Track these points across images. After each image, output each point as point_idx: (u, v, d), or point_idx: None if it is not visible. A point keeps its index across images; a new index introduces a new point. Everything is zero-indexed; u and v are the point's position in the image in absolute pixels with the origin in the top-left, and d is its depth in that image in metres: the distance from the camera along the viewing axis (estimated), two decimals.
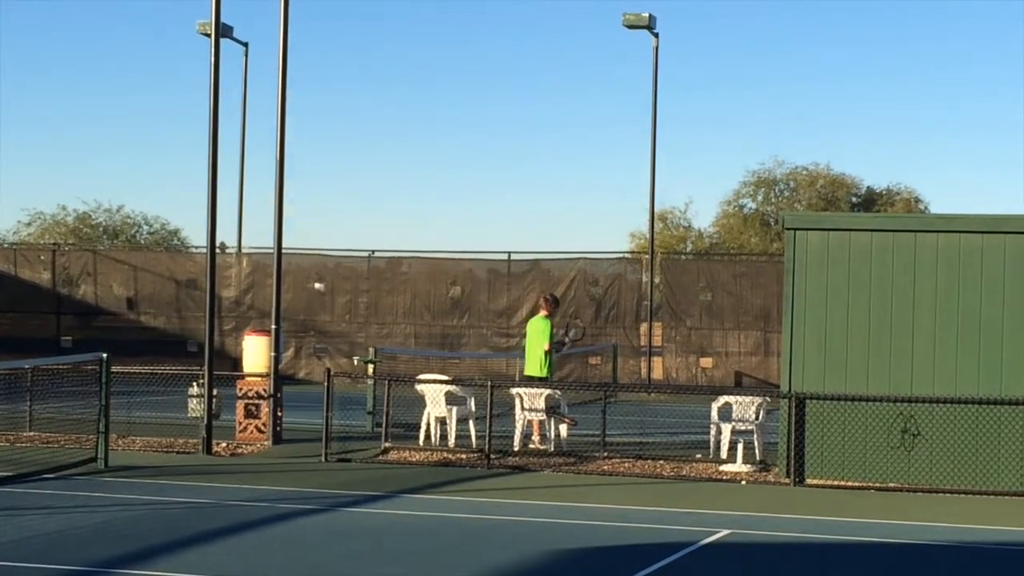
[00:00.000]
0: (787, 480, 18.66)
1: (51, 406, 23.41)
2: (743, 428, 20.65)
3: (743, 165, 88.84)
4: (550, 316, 23.25)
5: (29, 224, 60.91)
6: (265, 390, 22.36)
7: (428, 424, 22.17)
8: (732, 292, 37.63)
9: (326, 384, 20.92)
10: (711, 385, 35.09)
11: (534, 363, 22.90)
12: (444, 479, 18.71)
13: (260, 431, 22.30)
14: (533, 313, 26.59)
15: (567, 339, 23.94)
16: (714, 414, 21.19)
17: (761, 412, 20.74)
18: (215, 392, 21.80)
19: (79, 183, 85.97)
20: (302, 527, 14.72)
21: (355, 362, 29.47)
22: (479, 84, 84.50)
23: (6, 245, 51.54)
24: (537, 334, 22.85)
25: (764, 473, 19.55)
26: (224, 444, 21.66)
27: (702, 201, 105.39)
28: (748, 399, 21.01)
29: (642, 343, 37.82)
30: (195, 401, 23.71)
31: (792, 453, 18.65)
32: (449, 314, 39.03)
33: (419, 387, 22.64)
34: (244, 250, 42.99)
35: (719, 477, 19.37)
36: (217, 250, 24.26)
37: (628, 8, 38.72)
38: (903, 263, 18.52)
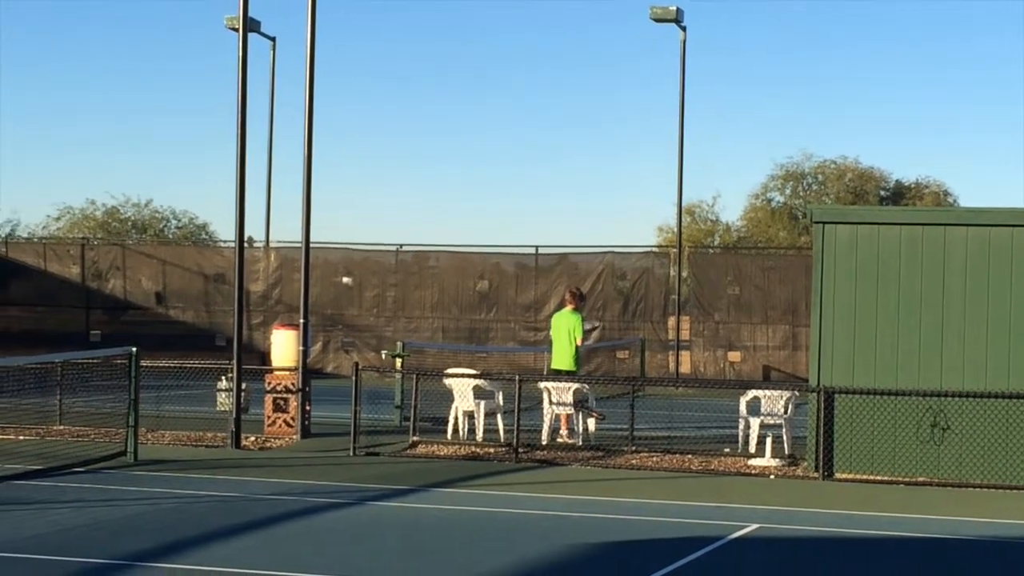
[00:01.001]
0: (816, 474, 18.62)
1: (81, 400, 23.52)
2: (771, 422, 20.60)
3: (771, 158, 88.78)
4: (577, 309, 23.24)
5: (58, 218, 61.19)
6: (293, 384, 22.40)
7: (456, 418, 22.19)
8: (760, 286, 37.54)
9: (354, 378, 20.94)
10: (739, 379, 35.00)
11: (563, 356, 22.89)
12: (472, 473, 18.72)
13: (288, 425, 22.34)
14: (560, 307, 26.56)
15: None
16: (742, 408, 21.16)
17: (789, 406, 20.69)
18: (244, 386, 21.84)
19: (108, 177, 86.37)
20: (330, 521, 14.75)
21: (383, 356, 29.45)
22: (507, 78, 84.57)
23: (35, 239, 51.76)
24: (568, 328, 22.83)
25: (793, 467, 19.51)
26: (253, 438, 21.71)
27: (730, 195, 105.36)
28: (776, 393, 20.97)
29: (670, 337, 37.77)
30: (224, 395, 23.76)
31: (821, 447, 18.60)
32: (477, 308, 39.02)
33: (447, 381, 22.66)
34: (272, 244, 43.07)
35: (747, 471, 19.33)
36: (245, 244, 24.30)
37: (656, 2, 38.63)
38: (932, 257, 18.44)
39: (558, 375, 22.61)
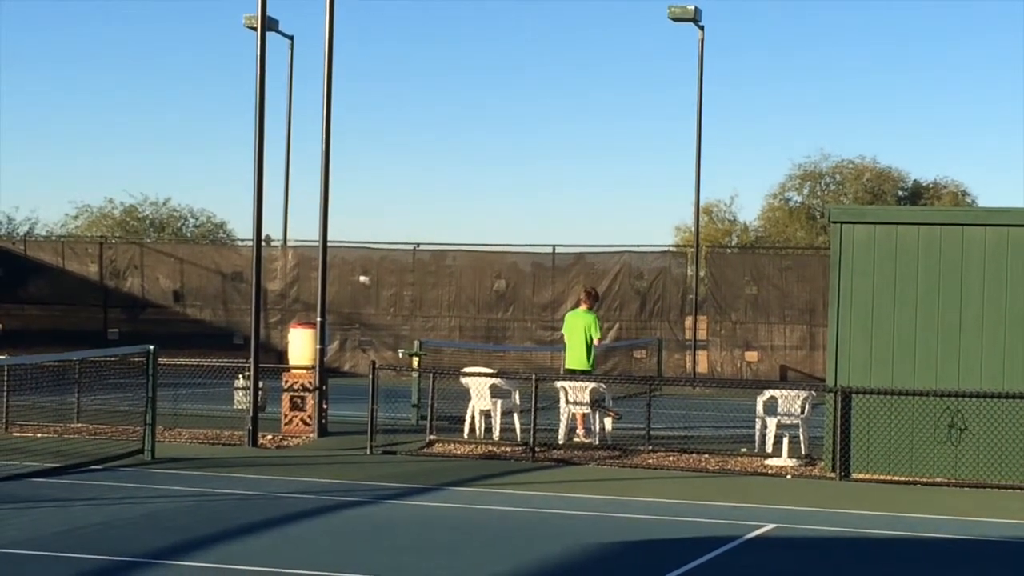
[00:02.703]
0: (833, 474, 18.59)
1: (98, 398, 23.58)
2: (788, 422, 20.57)
3: (789, 158, 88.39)
4: (592, 309, 23.23)
5: (76, 217, 61.32)
6: (310, 383, 22.42)
7: (473, 417, 22.21)
8: (777, 286, 37.49)
9: (371, 377, 20.97)
10: (756, 379, 34.97)
11: (578, 356, 22.88)
12: (489, 472, 18.73)
13: (305, 423, 22.37)
14: (574, 307, 26.57)
15: None
16: (759, 408, 21.13)
17: (807, 406, 20.66)
18: (261, 384, 21.87)
19: (126, 176, 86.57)
20: (347, 519, 14.77)
21: (400, 355, 29.48)
22: (525, 77, 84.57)
23: (54, 238, 51.87)
24: (583, 327, 22.82)
25: (809, 467, 19.48)
26: (270, 436, 21.74)
27: (747, 194, 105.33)
28: (793, 393, 20.93)
29: (687, 337, 37.73)
30: (241, 393, 23.78)
31: (838, 447, 18.57)
32: (494, 307, 39.03)
33: (464, 380, 22.67)
34: (289, 243, 43.13)
35: (764, 471, 19.31)
36: (263, 243, 24.34)
37: (674, 1, 38.58)
38: (950, 256, 18.40)
39: (573, 375, 22.60)
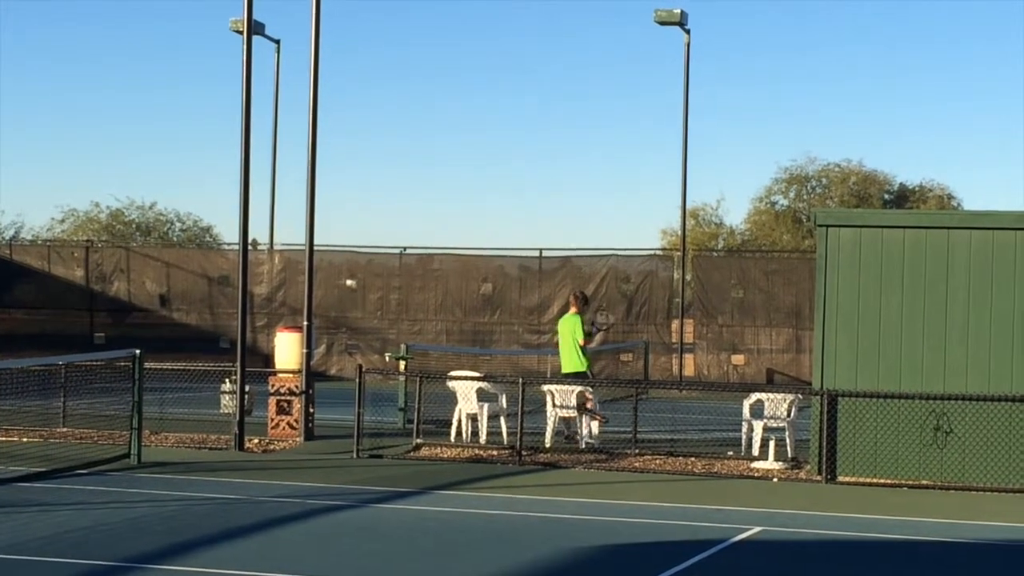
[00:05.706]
0: (819, 477, 18.62)
1: (84, 402, 23.54)
2: (775, 425, 20.60)
3: (775, 162, 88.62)
4: (580, 313, 23.24)
5: (62, 221, 61.19)
6: (297, 386, 22.41)
7: (460, 421, 22.21)
8: (764, 289, 37.53)
9: (358, 380, 20.96)
10: (743, 382, 35.01)
11: (568, 360, 22.87)
12: (475, 475, 18.73)
13: (292, 427, 22.35)
14: (564, 311, 26.57)
15: (594, 328, 23.85)
16: (746, 411, 21.15)
17: (793, 409, 20.69)
18: (247, 388, 21.85)
19: (112, 180, 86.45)
20: (333, 523, 14.76)
21: (387, 359, 29.46)
22: (510, 80, 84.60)
23: (40, 242, 51.78)
24: (570, 330, 22.82)
25: (796, 470, 19.51)
26: (256, 440, 21.72)
27: (734, 198, 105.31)
28: (780, 396, 20.97)
29: (674, 340, 37.73)
30: (227, 397, 23.75)
31: (824, 450, 18.60)
32: (480, 311, 39.02)
33: (451, 384, 22.67)
34: (276, 247, 43.05)
35: (751, 474, 19.33)
36: (249, 247, 24.31)
37: (660, 4, 38.62)
38: (935, 260, 18.44)
39: (566, 379, 22.54)
